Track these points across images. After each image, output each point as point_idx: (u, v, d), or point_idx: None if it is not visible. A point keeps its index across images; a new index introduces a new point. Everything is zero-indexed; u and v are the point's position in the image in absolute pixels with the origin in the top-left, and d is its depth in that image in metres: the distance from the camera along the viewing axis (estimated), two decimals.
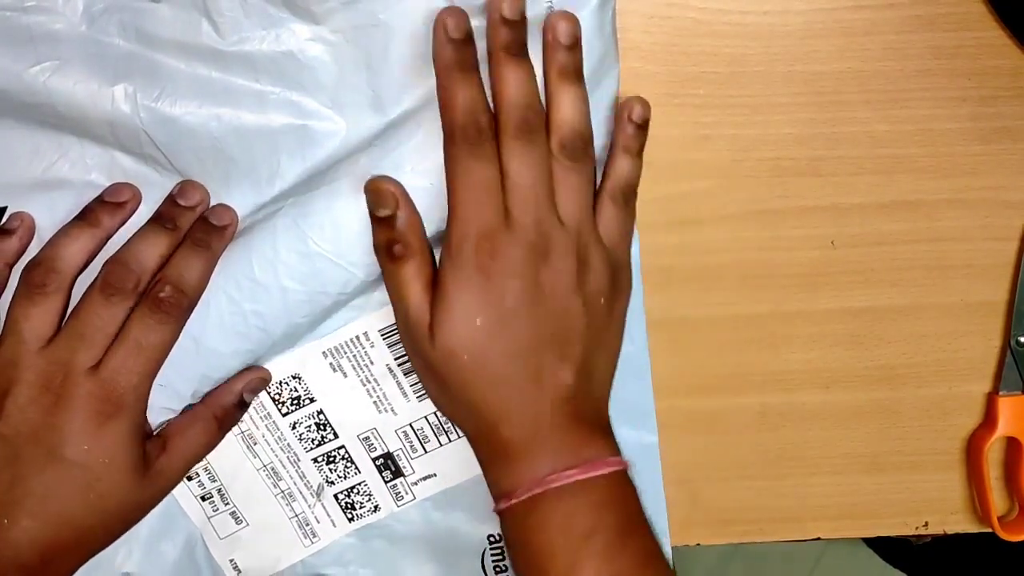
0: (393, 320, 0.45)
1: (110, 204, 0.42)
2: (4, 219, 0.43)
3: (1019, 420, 0.50)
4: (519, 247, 0.39)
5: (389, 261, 0.41)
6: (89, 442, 0.40)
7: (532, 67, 0.41)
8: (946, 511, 0.52)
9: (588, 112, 0.41)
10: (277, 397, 0.46)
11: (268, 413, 0.47)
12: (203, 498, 0.48)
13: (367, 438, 0.47)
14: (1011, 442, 0.51)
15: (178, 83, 0.41)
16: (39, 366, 0.40)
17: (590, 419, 0.41)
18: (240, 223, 0.43)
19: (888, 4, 0.46)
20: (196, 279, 0.42)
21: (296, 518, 0.48)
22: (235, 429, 0.47)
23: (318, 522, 0.48)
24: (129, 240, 0.42)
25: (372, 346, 0.46)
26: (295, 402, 0.46)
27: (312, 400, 0.47)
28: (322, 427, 0.47)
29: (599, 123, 0.43)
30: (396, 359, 0.46)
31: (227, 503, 0.48)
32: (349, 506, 0.48)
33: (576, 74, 0.41)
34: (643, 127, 0.43)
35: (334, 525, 0.49)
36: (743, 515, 0.51)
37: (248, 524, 0.48)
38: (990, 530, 0.51)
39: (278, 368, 0.46)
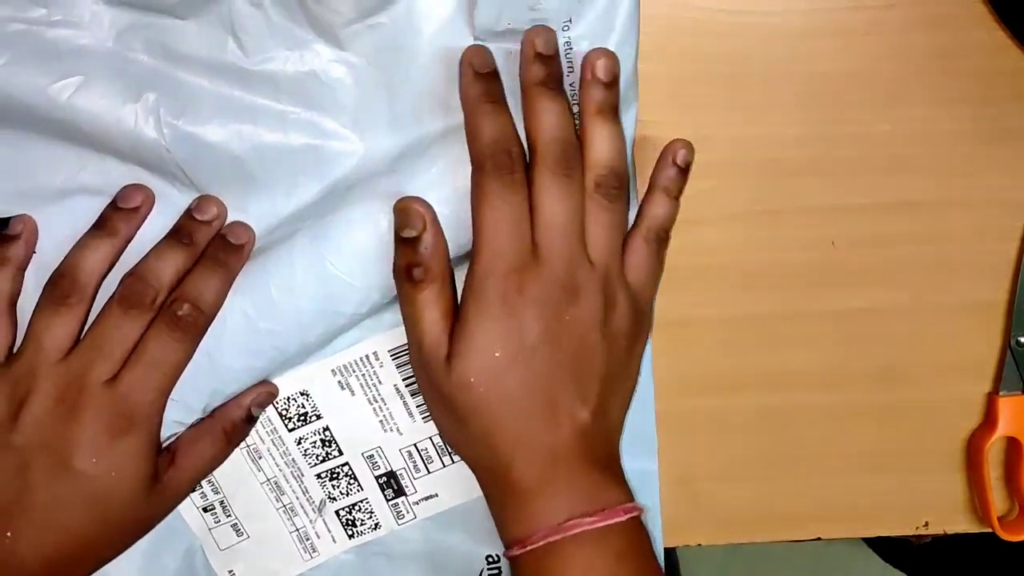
0: (403, 341, 0.44)
1: (125, 210, 0.42)
2: (7, 227, 0.43)
3: (1019, 420, 0.50)
4: (547, 285, 0.39)
5: (408, 285, 0.40)
6: (100, 455, 0.41)
7: (569, 102, 0.40)
8: (946, 511, 0.52)
9: (625, 150, 0.41)
10: (284, 413, 0.46)
11: (274, 428, 0.47)
12: (205, 509, 0.48)
13: (371, 456, 0.48)
14: (1011, 442, 0.51)
15: (201, 100, 0.42)
16: (56, 377, 0.41)
17: (604, 461, 0.40)
18: (257, 241, 0.44)
19: (888, 5, 0.46)
20: (213, 297, 0.42)
21: (297, 532, 0.48)
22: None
23: (318, 537, 0.49)
24: (147, 255, 0.42)
25: (381, 366, 0.46)
26: (302, 418, 0.47)
27: (319, 417, 0.47)
28: (327, 443, 0.47)
29: None
30: (404, 380, 0.46)
31: (229, 515, 0.48)
32: (350, 523, 0.48)
33: (613, 111, 0.40)
34: (685, 170, 0.42)
35: (334, 541, 0.49)
36: (743, 515, 0.51)
37: (249, 536, 0.48)
38: (990, 530, 0.51)
39: (287, 384, 0.46)
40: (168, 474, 0.43)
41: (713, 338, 0.49)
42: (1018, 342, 0.49)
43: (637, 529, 0.40)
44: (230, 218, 0.44)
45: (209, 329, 0.42)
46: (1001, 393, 0.50)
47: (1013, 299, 0.49)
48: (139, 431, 0.41)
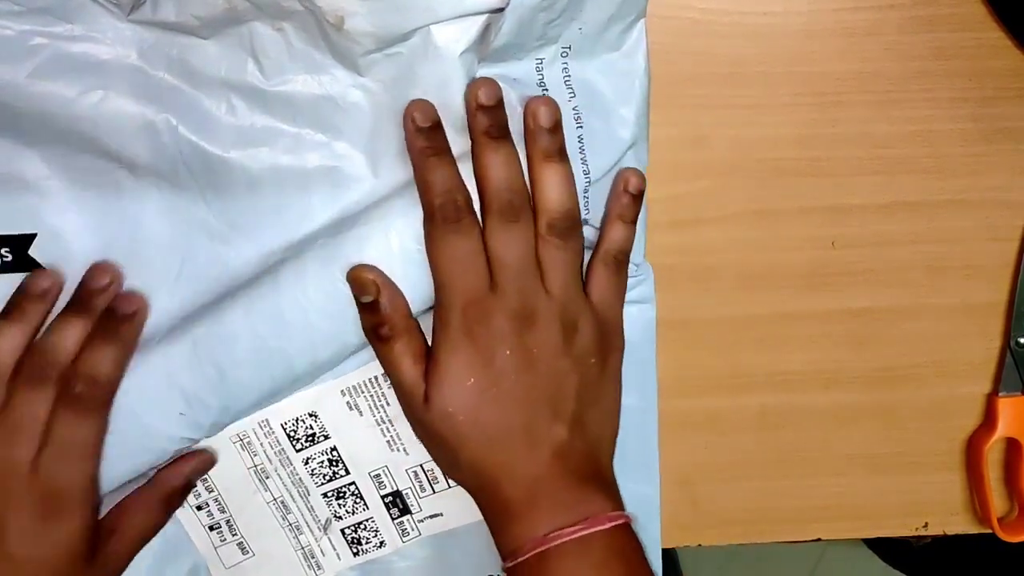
0: None
1: (32, 295, 0.42)
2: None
3: (1019, 421, 0.50)
4: (504, 313, 0.41)
5: (378, 342, 0.43)
6: (32, 540, 0.41)
7: (514, 149, 0.42)
8: (946, 512, 0.52)
9: (574, 189, 0.42)
10: (292, 434, 0.46)
11: (282, 449, 0.47)
12: (211, 528, 0.48)
13: (378, 475, 0.48)
14: (1011, 443, 0.51)
15: (219, 119, 0.42)
16: None
17: (588, 474, 0.42)
18: (268, 261, 0.44)
19: (888, 5, 0.46)
20: (109, 369, 0.41)
21: (302, 550, 0.49)
22: (248, 462, 0.47)
23: (323, 555, 0.49)
24: (47, 328, 0.42)
25: (389, 387, 0.46)
26: (310, 439, 0.47)
27: (327, 437, 0.47)
28: (334, 463, 0.47)
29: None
30: None
31: (235, 534, 0.48)
32: (355, 541, 0.49)
33: (559, 154, 0.42)
34: (638, 197, 0.44)
35: (339, 558, 0.49)
36: (743, 516, 0.51)
37: (254, 555, 0.48)
38: (990, 531, 0.51)
39: (296, 405, 0.46)
40: (107, 547, 0.43)
41: (713, 338, 0.49)
42: (1018, 343, 0.49)
43: (623, 536, 0.41)
44: (247, 237, 0.44)
45: (221, 346, 0.42)
46: (1001, 394, 0.50)
47: (1013, 299, 0.49)
48: (70, 513, 0.41)
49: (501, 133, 0.41)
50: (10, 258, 0.43)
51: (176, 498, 0.46)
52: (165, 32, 0.41)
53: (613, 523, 0.40)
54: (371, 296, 0.42)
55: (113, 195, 0.43)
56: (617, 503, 0.42)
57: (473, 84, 0.41)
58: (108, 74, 0.42)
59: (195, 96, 0.42)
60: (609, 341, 0.44)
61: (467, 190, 0.42)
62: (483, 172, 0.41)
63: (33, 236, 0.43)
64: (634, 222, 0.44)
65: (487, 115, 0.41)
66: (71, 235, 0.43)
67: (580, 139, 0.44)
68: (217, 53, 0.42)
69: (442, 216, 0.41)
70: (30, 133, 0.42)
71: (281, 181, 0.43)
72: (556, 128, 0.42)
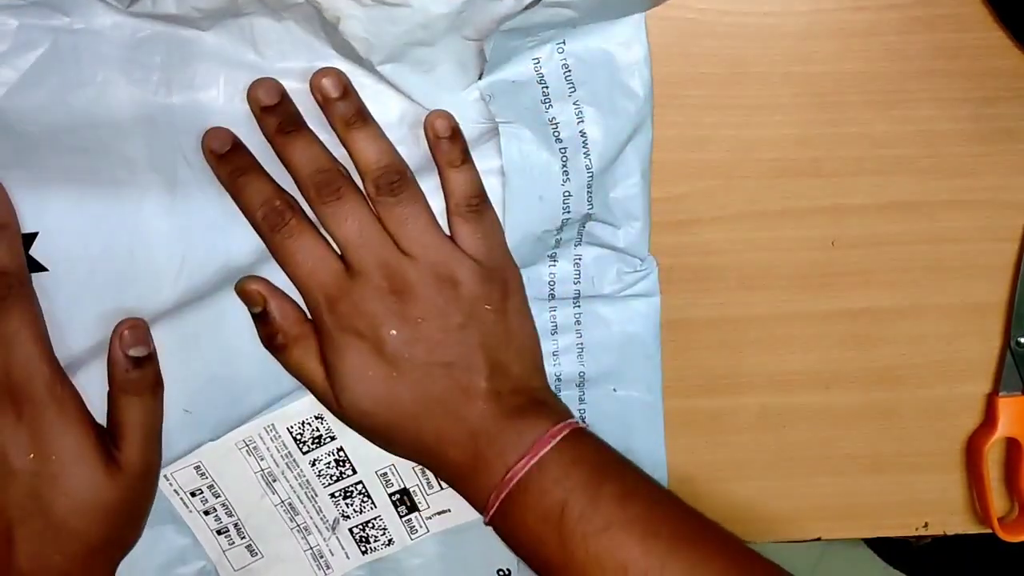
0: None
1: None
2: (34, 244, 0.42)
3: (1019, 421, 0.50)
4: (371, 293, 0.40)
5: (277, 352, 0.42)
6: (29, 447, 0.39)
7: (311, 133, 0.42)
8: (946, 512, 0.52)
9: (389, 144, 0.42)
10: (299, 437, 0.46)
11: (289, 452, 0.47)
12: (219, 532, 0.48)
13: (384, 474, 0.48)
14: (1011, 443, 0.51)
15: (217, 112, 0.42)
16: None
17: (522, 406, 0.42)
18: (267, 251, 0.43)
19: (889, 5, 0.46)
20: (8, 255, 0.40)
21: (311, 551, 0.49)
22: (254, 467, 0.47)
23: (332, 554, 0.49)
24: None
25: None
26: (316, 440, 0.47)
27: (333, 438, 0.47)
28: (341, 463, 0.47)
29: (636, 174, 0.45)
30: None
31: (243, 537, 0.48)
32: (363, 539, 0.49)
33: (360, 116, 0.42)
34: (454, 136, 0.42)
35: (348, 557, 0.49)
36: (743, 515, 0.51)
37: (263, 556, 0.48)
38: (990, 531, 0.51)
39: (302, 409, 0.46)
40: (121, 451, 0.41)
41: (712, 338, 0.49)
42: (1018, 343, 0.49)
43: (573, 443, 0.41)
44: (250, 225, 0.43)
45: (220, 342, 0.43)
46: (1001, 394, 0.50)
47: (1013, 299, 0.49)
48: (45, 408, 0.39)
49: (292, 126, 0.41)
50: None
51: (136, 377, 0.41)
52: (164, 24, 0.41)
53: (557, 437, 0.40)
54: (259, 306, 0.42)
55: (112, 192, 0.43)
56: (558, 416, 0.42)
57: (252, 87, 0.41)
58: (106, 67, 0.41)
59: (193, 88, 0.42)
60: (501, 282, 0.43)
61: (286, 193, 0.41)
62: (289, 166, 0.41)
63: (34, 235, 0.43)
64: (465, 162, 0.42)
65: (273, 114, 0.41)
66: (71, 234, 0.43)
67: (582, 133, 0.43)
68: (216, 43, 0.42)
69: (269, 226, 0.41)
70: (28, 130, 0.42)
71: (279, 174, 0.43)
72: (346, 94, 0.41)
